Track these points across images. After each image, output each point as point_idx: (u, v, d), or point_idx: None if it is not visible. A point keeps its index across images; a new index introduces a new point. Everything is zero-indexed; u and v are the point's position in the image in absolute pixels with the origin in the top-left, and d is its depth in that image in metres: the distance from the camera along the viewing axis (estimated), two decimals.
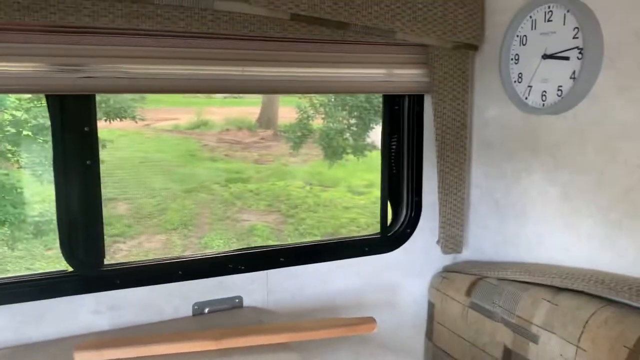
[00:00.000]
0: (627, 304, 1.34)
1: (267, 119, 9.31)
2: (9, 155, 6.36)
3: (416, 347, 1.92)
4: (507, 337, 1.55)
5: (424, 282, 1.89)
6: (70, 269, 1.49)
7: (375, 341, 1.84)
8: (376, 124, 7.90)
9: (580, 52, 1.46)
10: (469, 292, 1.70)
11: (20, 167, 6.50)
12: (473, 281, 1.71)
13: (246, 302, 1.66)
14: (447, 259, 1.92)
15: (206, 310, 1.61)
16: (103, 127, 6.57)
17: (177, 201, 7.55)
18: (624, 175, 1.39)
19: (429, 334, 1.88)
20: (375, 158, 7.87)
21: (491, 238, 1.83)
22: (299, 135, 8.27)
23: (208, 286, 1.61)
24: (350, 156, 8.16)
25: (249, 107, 9.18)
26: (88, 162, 1.46)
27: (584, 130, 1.49)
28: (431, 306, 1.87)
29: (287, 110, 8.72)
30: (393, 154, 1.89)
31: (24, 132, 6.27)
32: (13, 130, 6.26)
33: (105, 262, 1.53)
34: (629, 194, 1.38)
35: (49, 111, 1.42)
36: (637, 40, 1.34)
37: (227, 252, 1.68)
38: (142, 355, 1.33)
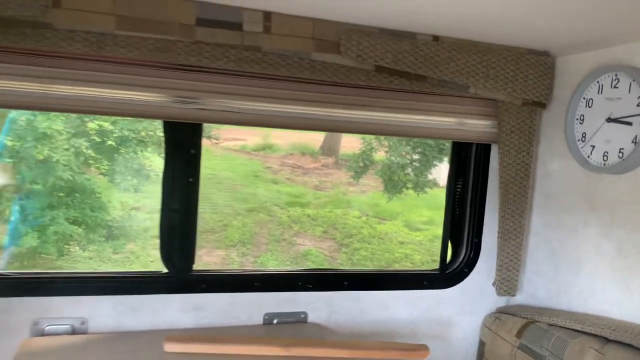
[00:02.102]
0: None
1: (329, 147, 9.56)
2: (91, 161, 6.89)
3: None
4: None
5: (477, 320, 2.01)
6: (165, 270, 1.74)
7: None
8: (439, 162, 7.94)
9: None
10: (519, 334, 1.81)
11: (101, 174, 7.05)
12: (524, 324, 1.82)
13: (310, 318, 1.85)
14: (501, 301, 2.03)
15: (275, 321, 1.81)
16: None
17: (238, 219, 7.88)
18: None
19: None
20: (435, 195, 7.91)
21: (545, 285, 1.93)
22: (361, 165, 8.42)
23: (279, 299, 1.81)
24: (410, 191, 8.20)
25: (313, 134, 9.40)
26: (190, 179, 1.72)
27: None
28: (482, 344, 1.98)
29: (350, 140, 8.94)
30: (457, 195, 2.04)
31: (108, 142, 6.79)
32: (98, 140, 6.78)
33: (195, 268, 1.76)
34: None
35: (165, 134, 1.69)
36: None
37: (299, 270, 1.88)
38: (220, 352, 1.54)
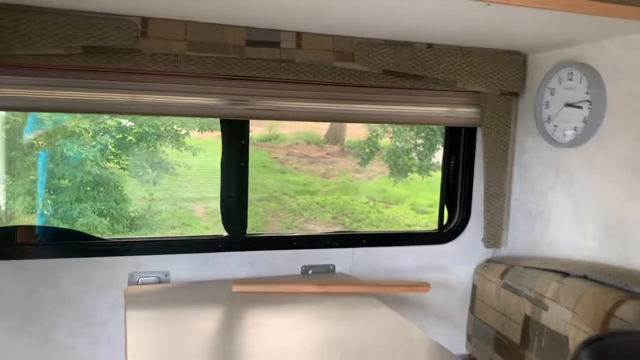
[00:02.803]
0: (610, 284, 1.94)
1: (334, 136, 9.94)
2: (112, 157, 7.39)
3: (461, 318, 2.55)
4: (527, 307, 2.17)
5: (470, 268, 2.54)
6: (226, 234, 2.26)
7: (430, 311, 2.50)
8: (441, 145, 8.36)
9: (590, 104, 2.08)
10: (502, 276, 2.33)
11: (122, 168, 7.56)
12: (506, 268, 2.34)
13: (337, 269, 2.38)
14: (489, 253, 2.55)
15: (310, 272, 2.34)
16: (197, 137, 7.45)
17: (250, 208, 8.36)
18: (618, 194, 1.99)
19: (472, 308, 2.51)
20: (439, 179, 8.34)
21: (524, 239, 2.45)
22: (367, 152, 8.81)
23: (312, 255, 2.34)
24: (416, 175, 8.57)
25: (317, 123, 9.64)
26: (242, 164, 2.24)
27: (591, 159, 2.11)
28: (474, 287, 2.51)
29: (354, 127, 9.32)
30: (451, 171, 2.56)
31: (128, 138, 7.28)
32: (119, 136, 7.27)
33: (247, 232, 2.29)
34: (611, 208, 1.99)
35: (222, 129, 2.21)
36: (629, 99, 1.96)
37: (327, 233, 2.40)
38: (273, 290, 2.07)
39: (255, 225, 8.03)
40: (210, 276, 2.21)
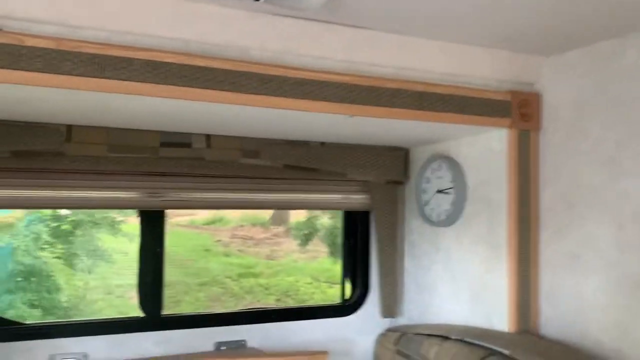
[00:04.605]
0: (478, 344, 2.29)
1: (279, 216, 10.24)
2: (46, 245, 7.41)
3: None
4: None
5: (372, 338, 2.85)
6: (143, 314, 2.51)
7: None
8: None
9: (454, 190, 2.53)
10: (396, 343, 2.66)
11: (57, 257, 7.56)
12: (399, 336, 2.68)
13: (249, 344, 2.65)
14: (389, 322, 2.88)
15: (222, 348, 2.58)
16: (134, 222, 7.58)
17: (190, 294, 8.37)
18: (479, 266, 2.40)
19: None
20: None
21: (416, 309, 2.81)
22: (306, 233, 9.13)
23: (225, 332, 2.61)
24: None
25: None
26: (158, 249, 2.53)
27: (459, 236, 2.53)
28: (376, 356, 2.81)
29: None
30: (351, 249, 2.93)
31: (63, 226, 7.36)
32: (54, 224, 7.34)
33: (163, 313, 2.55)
34: (475, 278, 2.39)
35: (140, 219, 2.52)
36: (481, 185, 2.42)
37: (240, 310, 2.68)
38: None
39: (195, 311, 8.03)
40: (127, 355, 2.42)
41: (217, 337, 2.59)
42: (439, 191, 2.64)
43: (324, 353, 2.47)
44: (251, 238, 9.92)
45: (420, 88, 2.07)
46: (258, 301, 8.52)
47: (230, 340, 2.61)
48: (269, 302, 8.52)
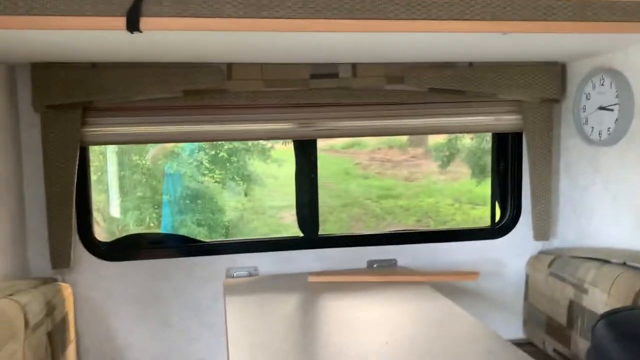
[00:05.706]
0: None
1: (418, 138, 10.15)
2: (206, 172, 8.19)
3: (517, 306, 2.84)
4: (570, 292, 2.45)
5: (523, 260, 2.83)
6: (302, 234, 2.75)
7: (487, 301, 2.82)
8: None
9: (619, 107, 2.33)
10: (550, 265, 2.62)
11: (216, 182, 8.35)
12: (553, 259, 2.63)
13: (399, 263, 2.78)
14: (541, 245, 2.82)
15: (374, 265, 2.75)
16: (281, 148, 8.05)
17: (334, 214, 8.78)
18: None
19: (526, 296, 2.80)
20: None
21: (572, 231, 2.73)
22: (447, 154, 8.96)
23: (376, 251, 2.77)
24: None
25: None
26: (312, 175, 2.71)
27: (622, 156, 2.35)
28: (527, 277, 2.80)
29: None
30: (502, 172, 2.87)
31: (220, 154, 8.04)
32: (212, 152, 8.04)
33: (320, 233, 2.77)
34: None
35: (295, 147, 2.70)
36: None
37: (390, 231, 2.80)
38: (343, 280, 2.52)
39: (339, 231, 8.47)
40: (291, 270, 2.70)
41: (370, 256, 2.77)
42: (601, 108, 2.44)
43: (475, 273, 2.53)
44: (389, 160, 10.01)
45: None
46: (399, 222, 8.72)
47: (381, 258, 2.77)
48: (409, 223, 8.67)
